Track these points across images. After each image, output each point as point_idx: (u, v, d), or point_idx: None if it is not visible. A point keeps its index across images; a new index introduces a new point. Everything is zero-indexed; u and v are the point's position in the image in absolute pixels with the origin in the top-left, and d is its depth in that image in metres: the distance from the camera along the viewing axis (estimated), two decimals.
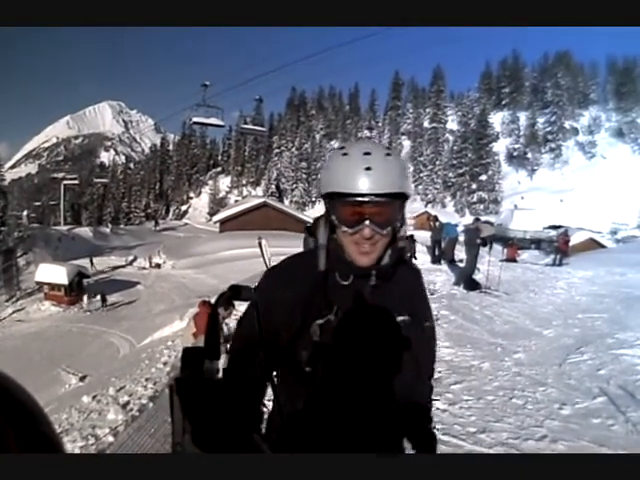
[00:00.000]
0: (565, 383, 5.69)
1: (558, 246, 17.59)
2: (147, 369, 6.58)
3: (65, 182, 53.53)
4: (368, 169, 1.26)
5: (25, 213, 41.34)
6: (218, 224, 41.08)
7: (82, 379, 7.15)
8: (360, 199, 1.28)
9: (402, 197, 1.34)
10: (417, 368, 1.56)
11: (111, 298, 15.06)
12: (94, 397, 5.52)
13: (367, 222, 1.29)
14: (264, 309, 1.36)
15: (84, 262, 20.92)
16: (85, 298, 15.23)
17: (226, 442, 0.48)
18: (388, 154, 1.31)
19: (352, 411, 1.41)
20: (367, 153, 1.28)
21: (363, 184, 1.26)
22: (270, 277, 1.53)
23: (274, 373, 1.48)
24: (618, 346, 6.56)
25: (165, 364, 6.73)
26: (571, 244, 17.50)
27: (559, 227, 31.09)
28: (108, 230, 44.39)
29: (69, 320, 12.45)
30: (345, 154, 1.31)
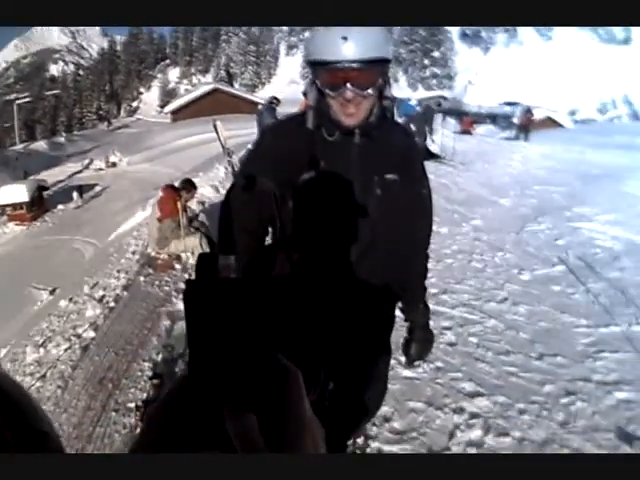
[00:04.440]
0: (523, 250, 5.76)
1: (522, 123, 17.49)
2: (117, 261, 6.67)
3: (18, 102, 51.33)
4: (344, 38, 1.35)
5: None
6: (170, 115, 42.01)
7: (52, 292, 7.05)
8: (339, 66, 1.39)
9: (382, 61, 1.43)
10: (408, 229, 1.67)
11: (70, 205, 14.50)
12: (70, 299, 5.53)
13: (348, 85, 1.38)
14: (257, 164, 1.59)
15: (46, 175, 20.06)
16: (75, 195, 14.61)
17: (243, 354, 0.40)
18: None
19: (337, 264, 1.50)
20: None
21: (339, 52, 1.37)
22: (263, 134, 1.77)
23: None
24: (576, 219, 6.68)
25: (134, 253, 6.83)
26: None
27: (515, 104, 31.00)
28: (63, 139, 43.57)
29: (34, 236, 11.88)
30: None
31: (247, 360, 0.40)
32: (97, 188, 15.58)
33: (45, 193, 15.30)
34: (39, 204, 14.08)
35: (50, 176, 18.60)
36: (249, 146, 1.86)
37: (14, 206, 13.23)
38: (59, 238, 10.25)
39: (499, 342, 3.87)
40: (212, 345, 0.41)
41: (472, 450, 2.79)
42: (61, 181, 19.27)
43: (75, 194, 14.29)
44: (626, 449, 2.74)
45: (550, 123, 31.47)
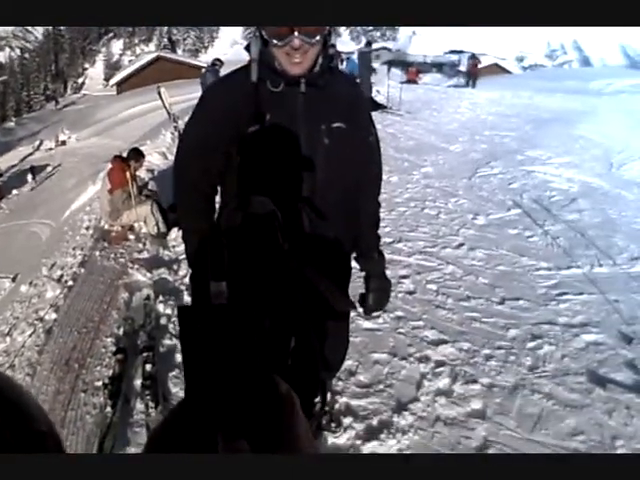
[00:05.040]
0: (477, 195, 5.67)
1: (469, 70, 17.38)
2: (72, 239, 6.47)
3: None
4: None
5: None
6: (115, 87, 41.22)
7: (14, 279, 6.68)
8: None
9: None
10: (357, 178, 1.65)
11: (24, 189, 13.79)
12: (30, 283, 5.33)
13: (295, 34, 1.35)
14: (202, 122, 1.58)
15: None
16: (29, 177, 14.23)
17: (239, 380, 0.41)
18: None
19: (286, 217, 1.33)
20: None
21: None
22: (206, 91, 1.66)
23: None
24: (529, 163, 6.63)
25: (87, 228, 6.63)
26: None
27: (460, 52, 30.85)
28: (12, 124, 43.77)
29: None
30: None
31: (243, 385, 0.40)
32: (49, 168, 15.10)
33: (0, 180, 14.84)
34: None
35: (3, 162, 18.16)
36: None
37: None
38: (16, 223, 9.87)
39: (458, 288, 3.74)
40: (208, 370, 0.40)
41: (441, 399, 2.65)
42: (14, 166, 18.87)
43: (29, 176, 13.84)
44: (600, 393, 2.67)
45: (497, 70, 31.46)
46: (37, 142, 25.56)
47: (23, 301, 4.93)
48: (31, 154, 22.94)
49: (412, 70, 21.60)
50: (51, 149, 22.85)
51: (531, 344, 3.08)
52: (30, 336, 4.02)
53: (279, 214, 0.98)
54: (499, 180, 6.10)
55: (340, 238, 1.68)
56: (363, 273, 1.91)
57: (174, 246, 5.25)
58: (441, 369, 2.87)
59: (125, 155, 6.09)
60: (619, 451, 2.34)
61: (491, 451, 2.37)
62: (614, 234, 4.52)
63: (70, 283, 4.84)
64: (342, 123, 1.53)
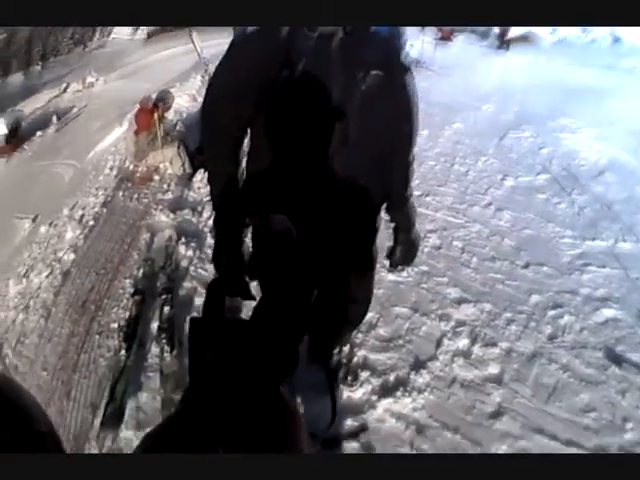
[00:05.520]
0: (506, 156, 5.30)
1: (502, 33, 16.30)
2: (95, 179, 5.97)
3: None
4: None
5: None
6: (145, 31, 38.60)
7: (34, 219, 6.20)
8: None
9: None
10: (392, 127, 1.49)
11: (49, 130, 13.11)
12: (50, 224, 4.95)
13: None
14: (233, 66, 1.38)
15: (24, 105, 18.24)
16: (54, 119, 12.74)
17: (245, 394, 0.38)
18: None
19: (318, 165, 1.36)
20: None
21: None
22: (238, 36, 1.43)
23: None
24: (560, 130, 6.17)
25: (111, 169, 6.12)
26: (511, 34, 16.24)
27: None
28: (39, 68, 39.88)
29: (14, 166, 10.54)
30: None
31: (249, 399, 0.37)
32: (75, 110, 14.29)
33: (23, 123, 14.07)
34: (17, 135, 12.88)
35: (28, 106, 17.23)
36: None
37: None
38: (39, 164, 9.31)
39: (484, 248, 3.47)
40: (213, 382, 0.38)
41: (459, 360, 2.45)
42: (39, 109, 18.10)
43: (54, 118, 13.05)
44: (615, 371, 2.46)
45: (530, 39, 29.75)
46: (64, 85, 24.62)
47: (42, 242, 4.67)
48: (57, 97, 21.96)
49: (446, 28, 20.38)
50: (79, 91, 21.97)
51: (552, 312, 2.85)
52: (47, 277, 3.78)
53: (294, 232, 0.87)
54: (529, 144, 5.68)
55: (371, 187, 1.53)
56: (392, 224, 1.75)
57: (199, 188, 4.95)
58: (461, 329, 2.66)
59: (154, 97, 5.67)
60: (628, 434, 2.16)
61: (504, 419, 2.19)
62: (639, 211, 4.16)
63: (91, 223, 4.58)
64: (379, 71, 1.37)
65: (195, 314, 2.89)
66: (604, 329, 2.76)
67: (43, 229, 4.95)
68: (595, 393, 2.35)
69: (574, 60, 12.54)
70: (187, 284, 3.21)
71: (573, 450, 2.07)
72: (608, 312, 2.88)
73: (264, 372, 0.38)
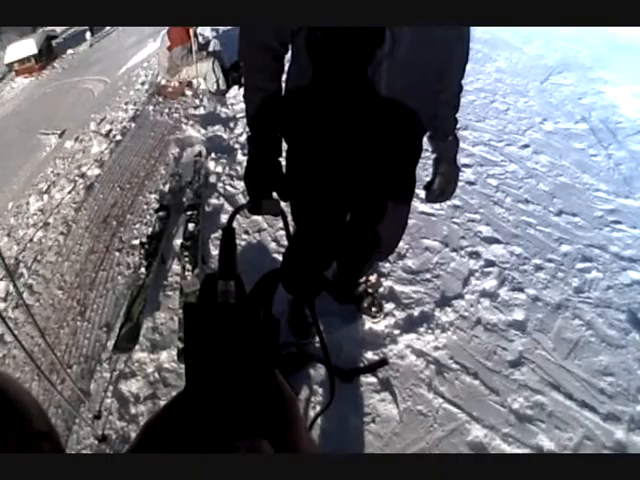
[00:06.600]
0: (546, 100, 4.55)
1: None
2: (125, 94, 5.21)
3: None
4: None
5: None
6: None
7: (61, 135, 5.45)
8: None
9: None
10: (443, 52, 1.19)
11: (80, 48, 11.44)
12: (76, 139, 4.30)
13: None
14: None
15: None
16: (88, 35, 11.34)
17: (241, 381, 0.33)
18: None
19: (364, 84, 1.10)
20: None
21: None
22: None
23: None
24: (601, 83, 5.29)
25: (143, 84, 5.34)
26: None
27: None
28: None
29: (43, 84, 9.21)
30: None
31: (244, 385, 0.33)
32: (108, 28, 12.56)
33: (55, 42, 12.36)
34: (48, 54, 11.35)
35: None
36: None
37: (22, 60, 10.62)
38: (68, 81, 8.19)
39: (518, 189, 2.94)
40: (209, 368, 0.33)
41: (485, 301, 2.03)
42: (71, 27, 16.02)
43: (87, 34, 11.48)
44: (635, 337, 2.05)
45: None
46: None
47: (66, 157, 4.08)
48: None
49: None
50: None
51: (580, 265, 2.39)
52: (69, 193, 3.27)
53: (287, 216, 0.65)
54: (570, 92, 4.87)
55: (417, 109, 1.22)
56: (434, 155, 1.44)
57: (232, 104, 4.30)
58: (490, 269, 2.23)
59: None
60: (639, 405, 1.78)
61: (523, 369, 1.82)
62: None
63: (118, 138, 3.97)
64: None
65: (220, 232, 2.46)
66: (629, 291, 2.31)
67: (68, 144, 4.39)
68: (614, 357, 1.96)
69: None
70: (214, 201, 2.78)
71: (586, 413, 1.72)
72: (634, 274, 2.41)
73: (259, 358, 0.32)
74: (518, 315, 2.03)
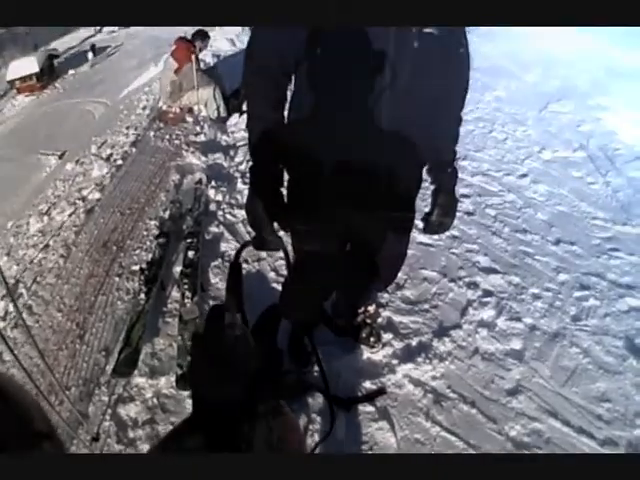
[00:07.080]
0: (545, 129, 4.67)
1: None
2: (126, 118, 5.32)
3: None
4: None
5: None
6: None
7: (61, 156, 5.56)
8: None
9: None
10: (443, 86, 1.24)
11: (81, 69, 11.70)
12: (77, 161, 4.38)
13: None
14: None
15: (58, 44, 15.81)
16: (90, 55, 11.55)
17: (245, 410, 0.35)
18: None
19: (365, 118, 1.15)
20: None
21: None
22: None
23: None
24: (599, 110, 5.42)
25: (144, 109, 5.47)
26: None
27: None
28: None
29: (44, 103, 9.48)
30: None
31: (247, 407, 0.35)
32: (110, 49, 12.88)
33: (56, 61, 12.61)
34: (49, 73, 11.58)
35: (62, 44, 15.48)
36: None
37: (23, 78, 10.92)
38: (69, 102, 8.30)
39: (516, 219, 3.03)
40: (214, 393, 0.35)
41: (483, 331, 2.10)
42: (73, 47, 16.37)
43: (89, 54, 11.61)
44: (632, 363, 2.10)
45: None
46: None
47: (67, 179, 4.12)
48: (92, 36, 20.20)
49: None
50: (113, 31, 20.12)
51: (578, 293, 2.46)
52: (69, 216, 3.33)
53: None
54: (568, 119, 5.00)
55: (417, 141, 1.25)
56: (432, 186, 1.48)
57: (233, 132, 4.42)
58: (488, 299, 2.30)
59: (190, 37, 4.97)
60: (636, 430, 1.83)
61: (521, 397, 1.87)
62: None
63: (119, 162, 4.03)
64: (434, 29, 1.14)
65: (220, 260, 2.56)
66: (627, 318, 2.36)
67: (69, 166, 4.45)
68: (611, 383, 2.00)
69: (620, 42, 11.14)
70: (214, 229, 2.87)
71: (583, 439, 1.77)
72: (632, 301, 2.46)
73: (265, 382, 0.35)
74: (515, 344, 2.10)
